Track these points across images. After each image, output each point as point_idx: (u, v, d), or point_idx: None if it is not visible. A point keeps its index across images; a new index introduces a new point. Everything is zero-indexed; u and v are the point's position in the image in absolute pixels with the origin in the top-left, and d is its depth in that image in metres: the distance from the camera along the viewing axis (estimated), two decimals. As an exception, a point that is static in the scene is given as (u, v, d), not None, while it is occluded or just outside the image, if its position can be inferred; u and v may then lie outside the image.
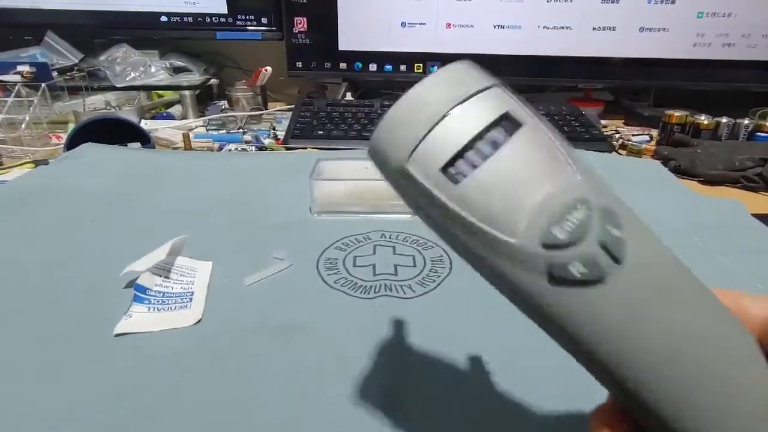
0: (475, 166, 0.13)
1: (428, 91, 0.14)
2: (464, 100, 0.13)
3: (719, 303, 0.14)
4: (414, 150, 0.13)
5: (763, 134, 0.66)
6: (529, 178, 0.13)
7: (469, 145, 0.13)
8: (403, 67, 0.83)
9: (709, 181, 0.57)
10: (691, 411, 0.13)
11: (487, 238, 0.13)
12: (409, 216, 0.44)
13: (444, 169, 0.13)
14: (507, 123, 0.14)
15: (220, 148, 0.67)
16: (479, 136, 0.13)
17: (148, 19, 0.82)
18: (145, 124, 0.71)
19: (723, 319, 0.14)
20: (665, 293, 0.13)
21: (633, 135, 0.74)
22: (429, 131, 0.13)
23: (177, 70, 0.88)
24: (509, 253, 0.13)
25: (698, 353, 0.13)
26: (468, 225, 0.13)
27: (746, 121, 0.66)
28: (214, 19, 0.83)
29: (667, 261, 0.14)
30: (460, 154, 0.13)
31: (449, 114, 0.13)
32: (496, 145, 0.13)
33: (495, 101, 0.14)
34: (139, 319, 0.30)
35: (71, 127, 0.65)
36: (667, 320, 0.13)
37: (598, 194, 0.13)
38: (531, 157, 0.13)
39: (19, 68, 0.68)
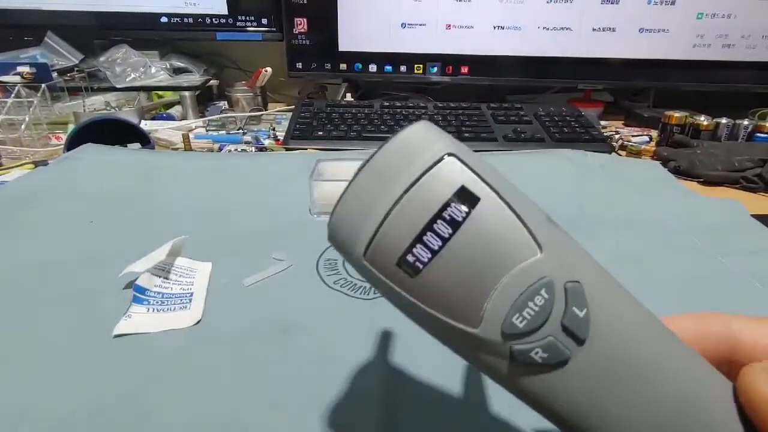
0: (433, 252, 0.13)
1: (378, 176, 0.13)
2: (415, 182, 0.13)
3: (688, 352, 0.14)
4: (368, 246, 0.13)
5: (762, 135, 0.66)
6: (486, 263, 0.13)
7: (424, 232, 0.13)
8: (403, 68, 0.83)
9: (709, 181, 0.57)
10: None
11: (450, 329, 0.13)
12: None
13: (399, 263, 0.13)
14: (464, 198, 0.13)
15: (220, 149, 0.67)
16: (434, 219, 0.13)
17: (149, 19, 0.82)
18: (145, 125, 0.71)
19: (693, 377, 0.14)
20: (629, 361, 0.13)
21: (633, 136, 0.75)
22: (380, 224, 0.13)
23: (177, 71, 0.88)
24: (472, 341, 0.13)
25: (664, 423, 0.13)
26: (429, 316, 0.13)
27: (746, 122, 0.66)
28: (214, 19, 0.84)
29: (636, 326, 0.13)
30: (414, 244, 0.13)
31: (400, 201, 0.13)
32: (454, 224, 0.13)
33: (449, 175, 0.13)
34: (138, 319, 0.30)
35: (71, 127, 0.65)
36: (632, 392, 0.13)
37: (563, 267, 0.13)
38: (489, 236, 0.13)
39: (19, 69, 0.68)
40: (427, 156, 0.13)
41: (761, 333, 0.14)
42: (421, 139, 0.13)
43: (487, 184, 0.13)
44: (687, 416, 0.13)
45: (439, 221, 0.13)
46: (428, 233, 0.13)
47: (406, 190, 0.13)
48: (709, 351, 0.14)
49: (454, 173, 0.13)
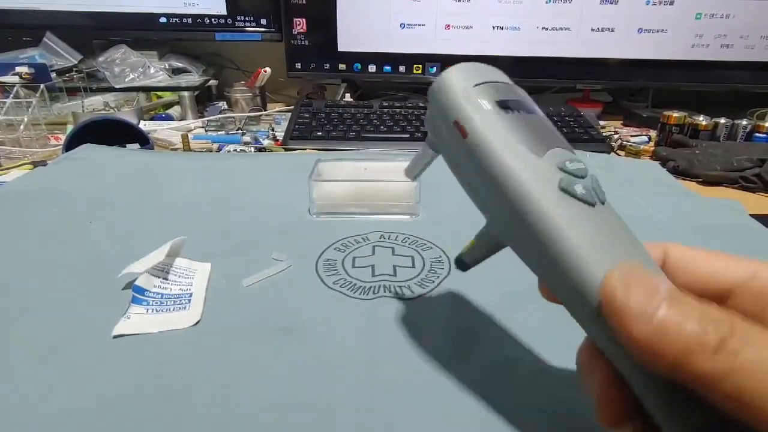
0: (518, 111, 0.19)
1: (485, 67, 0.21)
2: (509, 83, 0.21)
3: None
4: (480, 84, 0.20)
5: (761, 135, 0.66)
6: (549, 133, 0.20)
7: (515, 100, 0.20)
8: (402, 68, 0.83)
9: (708, 181, 0.57)
10: None
11: (520, 154, 0.18)
12: (408, 217, 0.44)
13: (499, 102, 0.19)
14: (532, 106, 0.20)
15: (219, 149, 0.67)
16: (521, 100, 0.20)
17: (147, 20, 0.82)
18: (144, 125, 0.71)
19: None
20: (622, 230, 0.18)
21: (632, 136, 0.75)
22: (489, 81, 0.20)
23: (176, 71, 0.88)
24: (534, 166, 0.18)
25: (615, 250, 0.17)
26: (507, 142, 0.18)
27: (744, 122, 0.67)
28: (213, 20, 0.84)
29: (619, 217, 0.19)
30: (508, 101, 0.19)
31: (503, 81, 0.21)
32: (530, 111, 0.20)
33: (524, 93, 0.22)
34: (137, 320, 0.30)
35: (70, 128, 0.65)
36: (620, 240, 0.18)
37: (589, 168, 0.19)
38: (548, 125, 0.20)
39: (18, 69, 0.68)
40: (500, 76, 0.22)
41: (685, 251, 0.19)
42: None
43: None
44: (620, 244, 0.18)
45: (523, 100, 0.21)
46: (516, 101, 0.20)
47: (505, 82, 0.22)
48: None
49: (527, 96, 0.22)
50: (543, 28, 0.79)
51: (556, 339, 0.25)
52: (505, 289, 0.32)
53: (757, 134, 0.66)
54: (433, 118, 0.21)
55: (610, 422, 0.16)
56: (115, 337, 0.28)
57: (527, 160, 0.18)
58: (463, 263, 0.24)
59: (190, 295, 0.32)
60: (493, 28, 0.79)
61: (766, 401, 0.12)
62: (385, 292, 0.33)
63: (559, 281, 0.17)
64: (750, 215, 0.45)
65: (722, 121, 0.67)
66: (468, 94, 0.19)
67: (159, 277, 0.33)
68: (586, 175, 0.18)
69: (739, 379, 0.12)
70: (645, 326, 0.14)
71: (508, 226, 0.19)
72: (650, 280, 0.15)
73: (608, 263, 0.16)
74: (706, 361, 0.12)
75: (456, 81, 0.20)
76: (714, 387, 0.13)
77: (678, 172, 0.59)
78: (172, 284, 0.33)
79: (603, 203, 0.18)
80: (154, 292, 0.32)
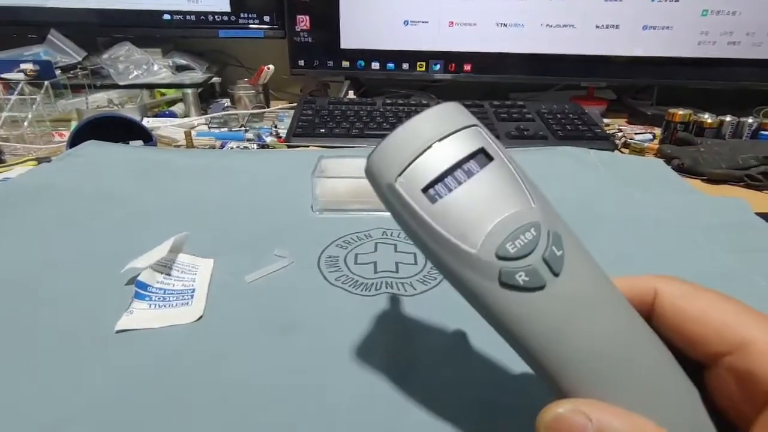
0: (450, 190, 0.16)
1: (420, 126, 0.17)
2: (447, 136, 0.17)
3: (633, 311, 0.17)
4: (402, 172, 0.17)
5: (766, 133, 0.65)
6: (492, 202, 0.16)
7: (447, 173, 0.16)
8: (405, 66, 0.83)
9: (713, 179, 0.56)
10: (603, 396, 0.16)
11: (454, 248, 0.16)
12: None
13: (425, 190, 0.16)
14: (480, 157, 0.17)
15: (222, 146, 0.67)
16: (456, 166, 0.16)
17: (151, 17, 0.82)
18: (148, 122, 0.72)
19: (638, 327, 0.17)
20: (591, 302, 0.16)
21: (636, 133, 0.74)
22: (415, 158, 0.16)
23: (179, 69, 0.88)
24: (470, 261, 0.16)
25: (612, 353, 0.16)
26: (439, 236, 0.16)
27: (750, 120, 0.66)
28: (216, 17, 0.84)
29: (595, 275, 0.17)
30: (438, 180, 0.16)
31: (432, 146, 0.17)
32: (469, 174, 0.17)
33: (473, 139, 0.17)
34: (140, 315, 0.30)
35: (74, 125, 0.65)
36: (590, 325, 0.16)
37: (549, 220, 0.17)
38: (496, 186, 0.17)
39: (23, 66, 0.68)
40: (459, 121, 0.17)
41: (675, 286, 0.18)
42: (454, 110, 0.18)
43: (500, 150, 0.17)
44: (623, 342, 0.16)
45: (458, 170, 0.16)
46: (449, 177, 0.16)
47: (440, 140, 0.17)
48: (635, 299, 0.18)
49: (477, 137, 0.17)
50: (547, 25, 0.79)
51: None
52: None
53: (762, 132, 0.66)
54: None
55: None
56: (119, 332, 0.29)
57: (463, 258, 0.16)
58: None
59: (193, 290, 0.32)
60: (497, 25, 0.79)
61: None
62: (387, 288, 0.33)
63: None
64: (755, 213, 0.45)
65: (728, 118, 0.66)
66: (392, 191, 0.17)
67: (162, 273, 0.33)
68: (533, 248, 0.16)
69: None
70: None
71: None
72: (576, 426, 0.14)
73: (559, 363, 0.16)
74: None
75: (378, 173, 0.17)
76: None
77: (683, 170, 0.58)
78: (174, 280, 0.33)
79: (557, 275, 0.16)
80: (156, 288, 0.32)
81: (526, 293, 0.16)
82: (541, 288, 0.16)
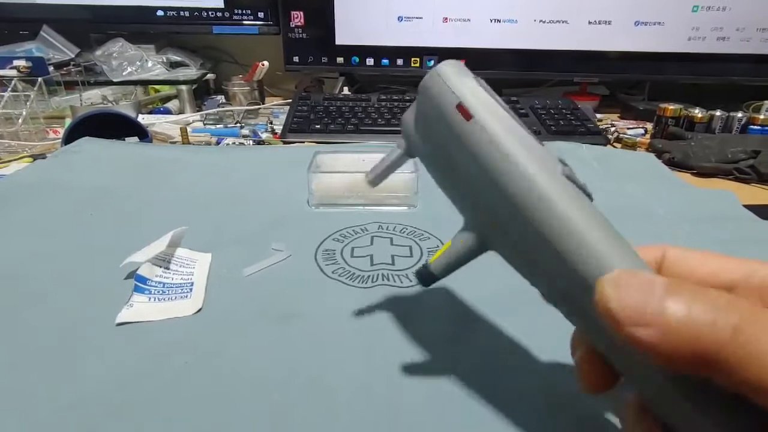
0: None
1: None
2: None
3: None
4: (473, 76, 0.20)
5: (755, 127, 0.66)
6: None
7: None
8: (399, 62, 0.83)
9: (703, 173, 0.57)
10: None
11: (525, 138, 0.18)
12: (406, 208, 0.45)
13: (490, 94, 0.19)
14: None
15: (218, 142, 0.67)
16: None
17: (144, 13, 0.82)
18: (143, 119, 0.72)
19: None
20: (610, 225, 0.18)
21: (628, 128, 0.75)
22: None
23: (174, 65, 0.88)
24: (539, 150, 0.18)
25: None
26: (514, 127, 0.18)
27: (740, 114, 0.67)
28: (210, 13, 0.83)
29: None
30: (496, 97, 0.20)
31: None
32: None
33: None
34: (139, 308, 0.30)
35: (68, 121, 0.65)
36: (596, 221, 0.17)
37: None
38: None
39: (16, 63, 0.68)
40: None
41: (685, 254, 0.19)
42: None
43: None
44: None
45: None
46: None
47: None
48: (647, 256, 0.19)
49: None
50: (540, 21, 0.79)
51: (550, 328, 0.26)
52: (501, 280, 0.33)
53: (752, 126, 0.67)
54: (423, 110, 0.21)
55: (596, 388, 0.18)
56: (119, 324, 0.29)
57: (533, 145, 0.18)
58: (429, 275, 0.22)
59: (192, 284, 0.33)
60: (491, 20, 0.80)
61: None
62: (383, 280, 0.34)
63: (559, 273, 0.17)
64: (743, 205, 0.46)
65: (718, 113, 0.67)
66: (469, 81, 0.19)
67: (161, 267, 0.34)
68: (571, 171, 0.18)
69: (758, 365, 0.12)
70: (646, 330, 0.13)
71: (505, 216, 0.18)
72: (643, 277, 0.14)
73: (612, 254, 0.16)
74: (720, 352, 0.12)
75: (454, 70, 0.20)
76: (733, 377, 0.12)
77: (674, 164, 0.59)
78: (173, 274, 0.33)
79: (591, 199, 0.18)
80: (156, 281, 0.32)
81: (581, 193, 0.18)
82: (590, 198, 0.18)
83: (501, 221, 0.19)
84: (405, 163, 0.25)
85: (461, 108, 0.19)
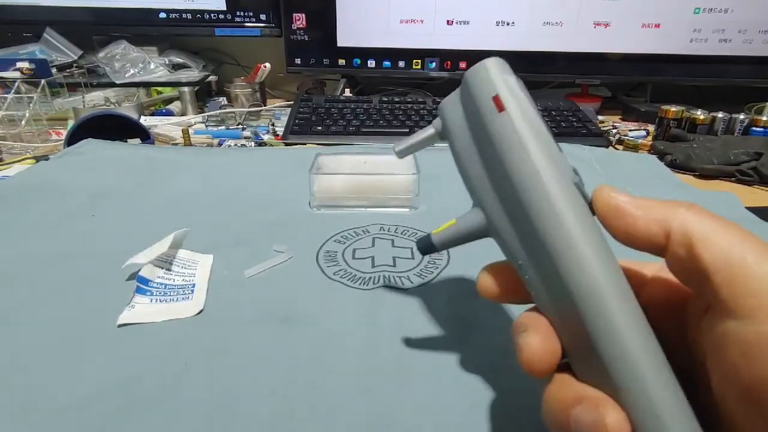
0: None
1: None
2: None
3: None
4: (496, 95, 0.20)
5: (758, 129, 0.66)
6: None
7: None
8: (401, 64, 0.83)
9: (705, 175, 0.57)
10: None
11: (546, 140, 0.19)
12: (407, 210, 0.45)
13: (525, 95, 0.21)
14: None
15: (220, 144, 0.67)
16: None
17: (147, 15, 0.82)
18: (145, 121, 0.72)
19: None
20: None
21: (630, 130, 0.75)
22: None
23: (176, 67, 0.88)
24: (557, 152, 0.19)
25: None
26: (539, 126, 0.19)
27: (742, 116, 0.67)
28: (212, 15, 0.84)
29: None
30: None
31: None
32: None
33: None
34: (141, 310, 0.30)
35: (71, 123, 0.65)
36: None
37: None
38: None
39: (19, 65, 0.68)
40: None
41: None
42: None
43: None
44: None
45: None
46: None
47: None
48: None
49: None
50: (542, 23, 0.79)
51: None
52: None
53: (754, 128, 0.67)
54: (463, 96, 0.22)
55: (544, 371, 0.20)
56: (120, 326, 0.29)
57: (551, 147, 0.19)
58: (430, 245, 0.24)
59: (193, 285, 0.33)
60: (492, 23, 0.80)
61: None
62: (384, 282, 0.34)
63: (550, 272, 0.18)
64: (745, 207, 0.46)
65: (720, 115, 0.67)
66: (509, 77, 0.21)
67: (162, 268, 0.34)
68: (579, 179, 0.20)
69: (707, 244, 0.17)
70: (636, 209, 0.20)
71: (511, 207, 0.20)
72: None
73: (597, 257, 0.18)
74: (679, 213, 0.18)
75: (498, 66, 0.21)
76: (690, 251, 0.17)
77: (675, 166, 0.59)
78: (175, 275, 0.33)
79: (589, 202, 0.20)
80: (157, 283, 0.32)
81: (583, 200, 0.19)
82: (589, 206, 0.20)
83: (508, 210, 0.20)
84: (435, 143, 0.26)
85: (497, 99, 0.20)
